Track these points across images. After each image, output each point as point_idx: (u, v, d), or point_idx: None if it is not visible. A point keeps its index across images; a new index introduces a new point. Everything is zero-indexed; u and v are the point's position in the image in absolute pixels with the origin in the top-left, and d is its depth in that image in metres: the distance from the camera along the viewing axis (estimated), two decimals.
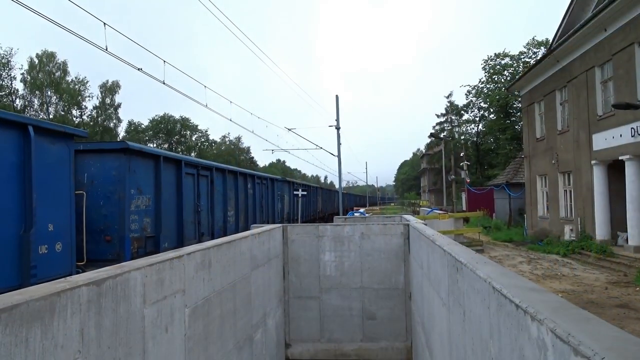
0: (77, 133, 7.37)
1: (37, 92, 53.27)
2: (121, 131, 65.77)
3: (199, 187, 11.63)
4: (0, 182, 5.67)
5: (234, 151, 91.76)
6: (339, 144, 27.94)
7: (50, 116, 52.27)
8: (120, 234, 8.23)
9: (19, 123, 5.99)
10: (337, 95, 27.65)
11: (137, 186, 8.76)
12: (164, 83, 12.43)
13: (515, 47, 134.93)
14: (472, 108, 52.65)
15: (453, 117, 59.35)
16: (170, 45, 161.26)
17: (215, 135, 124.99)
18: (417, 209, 45.64)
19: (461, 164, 35.69)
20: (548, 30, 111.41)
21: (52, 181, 6.54)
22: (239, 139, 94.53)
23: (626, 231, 15.96)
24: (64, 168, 6.85)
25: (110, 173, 8.33)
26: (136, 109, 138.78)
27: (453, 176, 37.01)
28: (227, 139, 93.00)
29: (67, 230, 6.85)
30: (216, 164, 13.77)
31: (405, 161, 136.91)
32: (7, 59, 47.52)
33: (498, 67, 44.74)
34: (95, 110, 59.86)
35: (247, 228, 14.59)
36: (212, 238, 11.43)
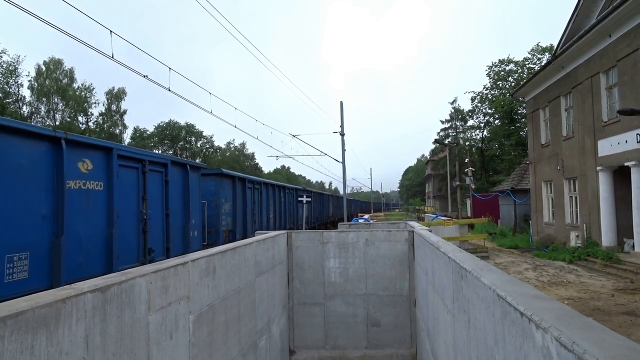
0: (202, 166, 12.12)
1: (43, 99, 53.71)
2: (127, 137, 66.09)
3: (254, 197, 16.07)
4: (176, 196, 10.02)
5: (239, 157, 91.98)
6: (343, 150, 27.88)
7: (57, 122, 52.64)
8: (216, 228, 12.61)
9: (183, 164, 10.60)
10: (341, 102, 27.60)
11: (224, 197, 13.14)
12: (169, 90, 12.54)
13: (519, 53, 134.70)
14: (476, 114, 52.62)
15: (458, 123, 59.29)
16: (175, 52, 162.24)
17: (220, 142, 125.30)
18: (422, 215, 45.44)
19: (466, 170, 35.54)
20: (552, 37, 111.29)
21: (194, 195, 10.91)
22: (243, 145, 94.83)
23: (632, 238, 15.84)
24: (197, 187, 11.24)
25: (210, 189, 12.61)
26: (142, 115, 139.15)
27: (458, 182, 36.81)
28: (231, 145, 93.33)
29: (199, 223, 11.34)
30: (263, 180, 18.65)
31: (410, 167, 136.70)
32: (15, 66, 48.05)
33: (502, 73, 44.72)
34: (101, 117, 60.32)
35: (282, 227, 19.89)
36: None
